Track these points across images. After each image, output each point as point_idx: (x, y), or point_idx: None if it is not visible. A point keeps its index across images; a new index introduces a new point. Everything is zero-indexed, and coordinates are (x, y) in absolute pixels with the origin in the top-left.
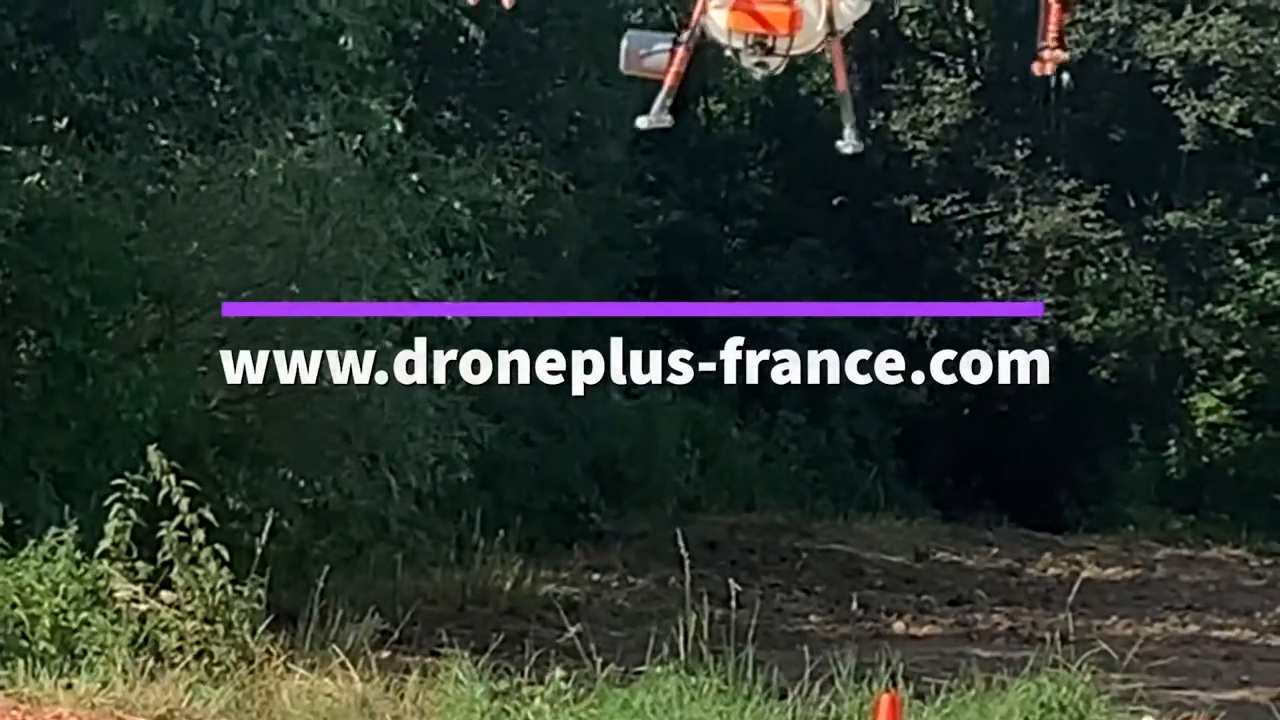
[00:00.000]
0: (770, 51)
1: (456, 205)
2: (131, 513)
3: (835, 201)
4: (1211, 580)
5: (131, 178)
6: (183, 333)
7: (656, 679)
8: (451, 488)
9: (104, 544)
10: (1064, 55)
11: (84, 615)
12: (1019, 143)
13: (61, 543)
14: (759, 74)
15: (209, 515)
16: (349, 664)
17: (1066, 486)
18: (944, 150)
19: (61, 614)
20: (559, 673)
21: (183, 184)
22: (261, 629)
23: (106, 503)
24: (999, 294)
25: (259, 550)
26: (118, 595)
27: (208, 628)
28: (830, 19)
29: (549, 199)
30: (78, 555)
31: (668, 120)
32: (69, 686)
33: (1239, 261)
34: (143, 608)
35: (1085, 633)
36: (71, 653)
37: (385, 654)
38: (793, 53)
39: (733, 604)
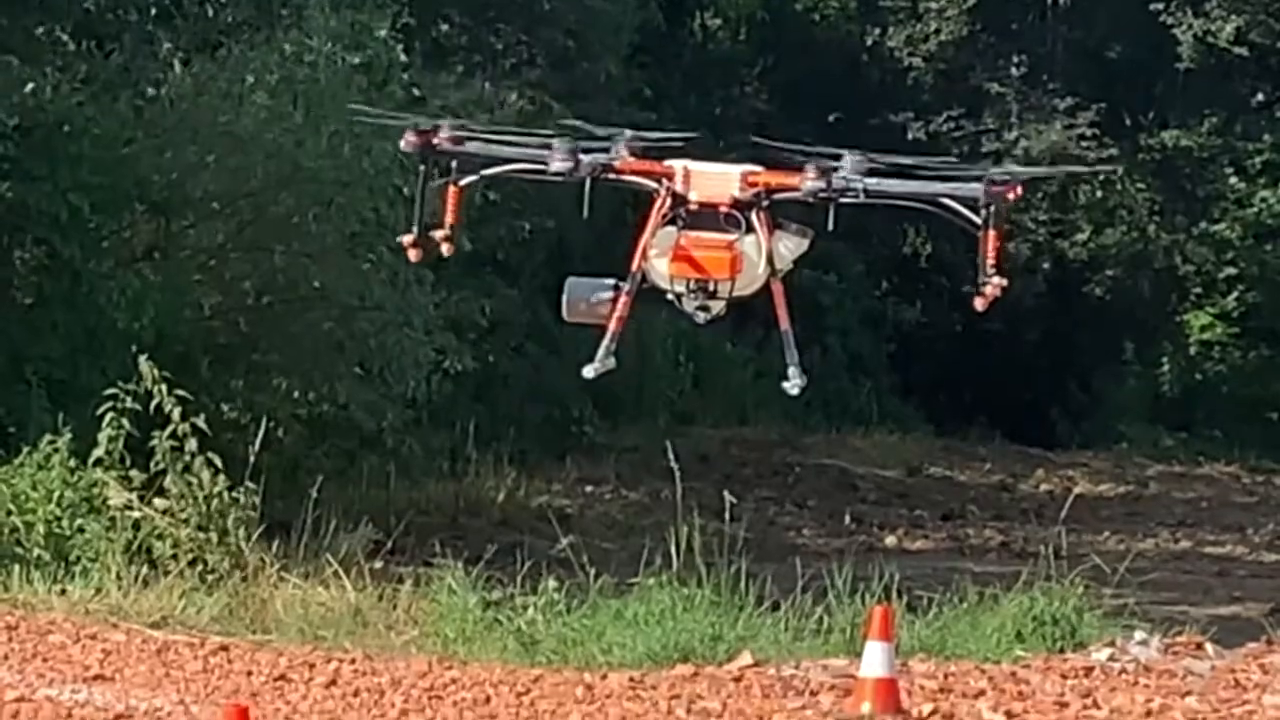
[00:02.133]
0: (713, 296)
1: (450, 104)
2: (125, 421)
3: (831, 118)
4: (1204, 497)
5: (131, 83)
6: (178, 241)
7: (649, 590)
8: (445, 398)
9: (98, 452)
10: (1004, 281)
11: (78, 522)
12: (1015, 60)
13: (55, 450)
14: (701, 318)
15: (202, 424)
16: (342, 573)
17: (1059, 403)
18: (940, 67)
19: (55, 521)
20: (552, 583)
21: (180, 92)
22: (255, 537)
23: (100, 411)
24: None
25: (253, 460)
26: (112, 503)
27: (201, 535)
28: (770, 260)
29: (544, 110)
30: (72, 463)
31: (612, 363)
32: (63, 593)
33: (1234, 180)
34: (136, 515)
35: (1077, 548)
36: (66, 559)
37: (378, 564)
38: (735, 295)
39: (726, 517)
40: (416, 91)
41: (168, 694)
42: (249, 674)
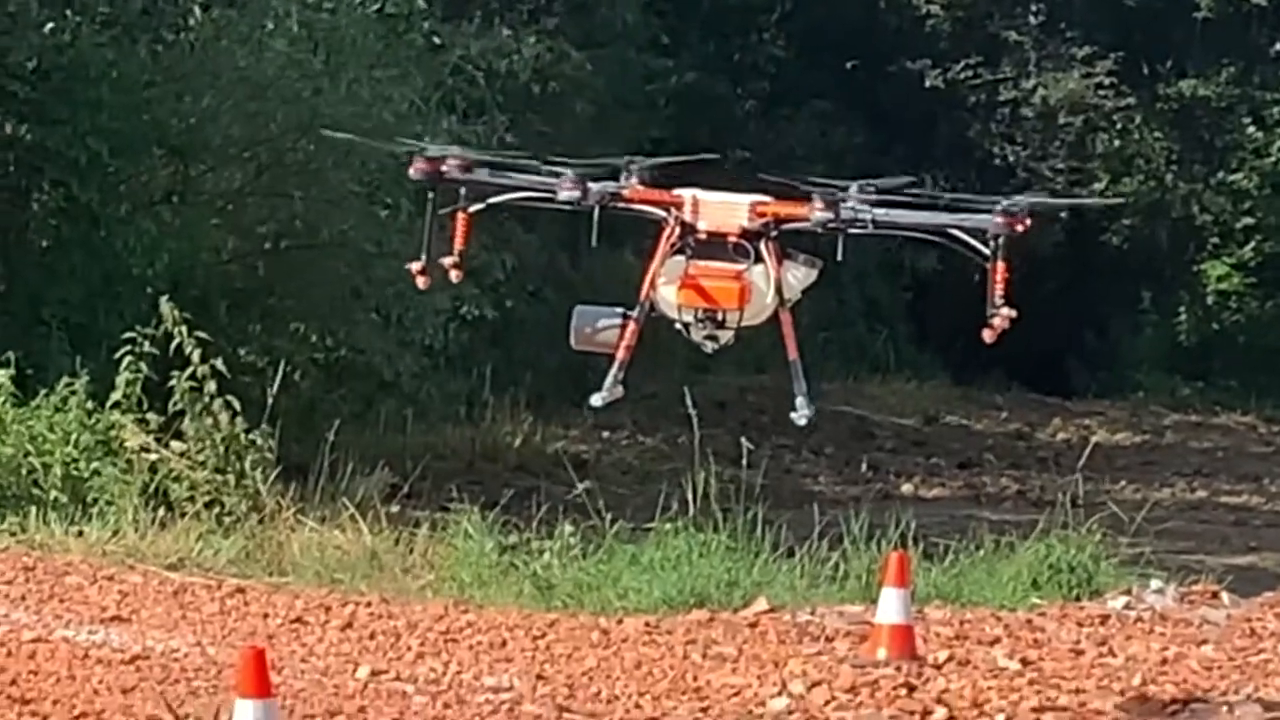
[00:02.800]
0: (721, 325)
1: (470, 53)
2: (143, 365)
3: (848, 65)
4: (1220, 447)
5: (150, 27)
6: (196, 185)
7: (665, 536)
8: (463, 344)
9: (115, 395)
10: (1013, 312)
11: (95, 465)
12: (1033, 8)
13: (73, 393)
14: (709, 347)
15: (220, 367)
16: (359, 517)
17: (1076, 352)
18: (958, 15)
19: (73, 463)
20: (568, 528)
21: (200, 36)
22: (272, 480)
23: (118, 354)
24: (1011, 160)
25: (270, 403)
26: (128, 445)
27: (219, 478)
28: (779, 290)
29: (562, 57)
30: (89, 405)
31: (620, 392)
32: (80, 534)
33: (1251, 129)
34: (153, 457)
35: (1094, 497)
36: (83, 501)
37: (395, 508)
38: (743, 324)
39: (743, 463)
40: (436, 39)
41: (184, 635)
42: (265, 616)
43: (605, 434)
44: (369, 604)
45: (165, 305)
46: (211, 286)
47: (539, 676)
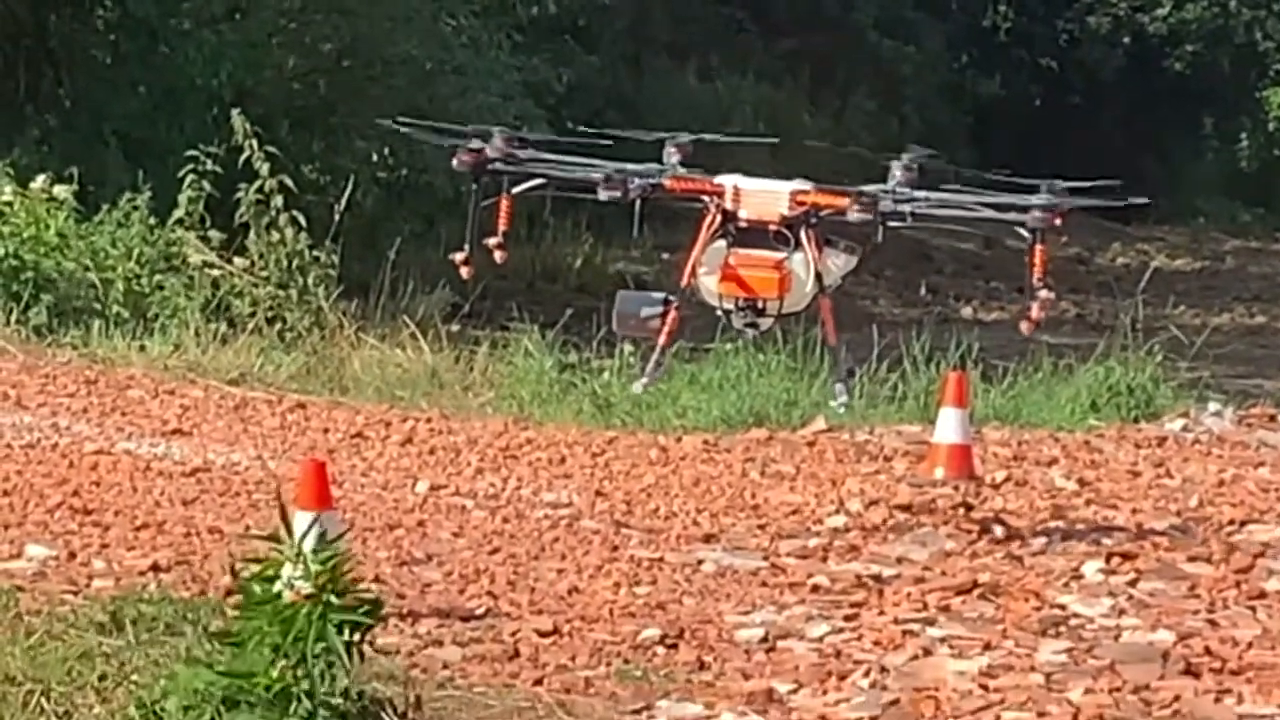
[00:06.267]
0: (761, 313)
1: None
2: (205, 183)
3: None
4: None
5: None
6: (260, 2)
7: (725, 355)
8: None
9: (178, 211)
10: (1052, 295)
11: (157, 279)
12: None
13: (135, 208)
14: (750, 334)
15: (288, 181)
16: (419, 335)
17: (1136, 178)
18: None
19: (135, 279)
20: (628, 347)
21: None
22: (334, 297)
23: (181, 171)
24: None
25: (337, 220)
26: (191, 260)
27: (281, 294)
28: (819, 278)
29: None
30: (151, 221)
31: (660, 373)
32: (142, 349)
33: None
34: (216, 273)
35: (1153, 322)
36: (144, 316)
37: (455, 327)
38: (784, 312)
39: None
40: None
41: (245, 449)
42: (325, 431)
43: (665, 255)
44: (429, 420)
45: (236, 117)
46: (274, 104)
47: (598, 492)
